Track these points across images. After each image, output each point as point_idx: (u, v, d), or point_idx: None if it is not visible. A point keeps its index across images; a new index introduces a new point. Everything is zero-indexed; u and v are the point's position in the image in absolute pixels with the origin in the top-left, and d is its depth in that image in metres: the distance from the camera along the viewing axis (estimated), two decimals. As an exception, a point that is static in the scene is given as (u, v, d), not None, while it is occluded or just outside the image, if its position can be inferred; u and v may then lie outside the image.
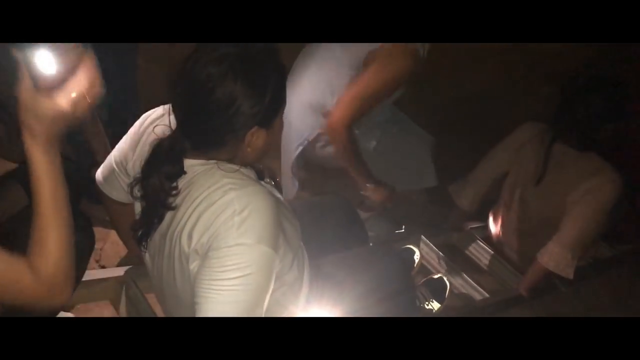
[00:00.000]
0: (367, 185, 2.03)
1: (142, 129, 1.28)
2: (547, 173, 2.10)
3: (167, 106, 1.24)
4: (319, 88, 1.99)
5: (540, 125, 2.18)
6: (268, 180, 1.34)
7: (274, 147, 1.27)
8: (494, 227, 2.43)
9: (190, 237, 1.10)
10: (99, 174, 1.39)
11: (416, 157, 2.28)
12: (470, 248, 2.55)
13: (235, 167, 1.16)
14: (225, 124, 1.10)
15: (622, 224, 2.66)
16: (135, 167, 1.25)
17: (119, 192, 1.36)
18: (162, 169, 1.14)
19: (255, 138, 1.13)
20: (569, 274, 2.03)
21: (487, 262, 2.47)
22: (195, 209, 1.10)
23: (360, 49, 1.84)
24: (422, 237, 2.43)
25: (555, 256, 2.02)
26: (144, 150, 1.23)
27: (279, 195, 1.29)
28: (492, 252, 2.44)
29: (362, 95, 1.83)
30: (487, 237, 2.51)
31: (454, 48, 3.12)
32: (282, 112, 1.20)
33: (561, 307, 2.31)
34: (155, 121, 1.27)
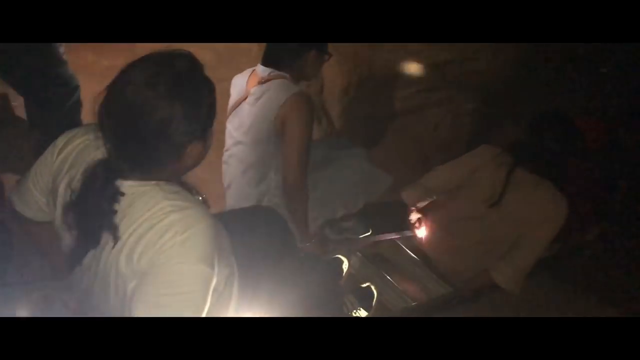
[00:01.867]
0: (307, 240, 2.14)
1: (64, 150, 1.26)
2: (505, 196, 2.18)
3: (90, 126, 1.23)
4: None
5: (496, 150, 2.29)
6: (197, 196, 1.35)
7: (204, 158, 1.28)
8: (426, 238, 2.51)
9: (130, 258, 1.10)
10: (15, 193, 1.36)
11: (359, 170, 2.39)
12: (397, 257, 2.62)
13: (175, 187, 1.18)
14: (165, 145, 1.11)
15: None
16: (60, 189, 1.23)
17: (32, 211, 1.34)
18: (98, 192, 1.13)
19: (194, 151, 1.16)
20: (517, 291, 2.17)
21: (413, 270, 2.55)
22: (135, 230, 1.10)
23: (270, 110, 1.98)
24: (352, 248, 2.49)
25: (508, 277, 2.14)
26: (71, 172, 1.21)
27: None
28: (419, 260, 2.53)
29: (300, 148, 1.98)
30: (414, 247, 2.60)
31: (385, 65, 3.28)
32: (214, 121, 1.22)
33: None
34: (78, 141, 1.25)
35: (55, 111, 2.22)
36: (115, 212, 1.13)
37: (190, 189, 1.28)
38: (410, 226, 2.57)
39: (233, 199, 2.20)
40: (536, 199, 2.15)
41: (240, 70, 2.19)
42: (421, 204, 2.53)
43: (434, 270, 2.47)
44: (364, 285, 2.16)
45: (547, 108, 2.35)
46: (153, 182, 1.15)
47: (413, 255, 2.55)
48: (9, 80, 2.23)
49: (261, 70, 2.05)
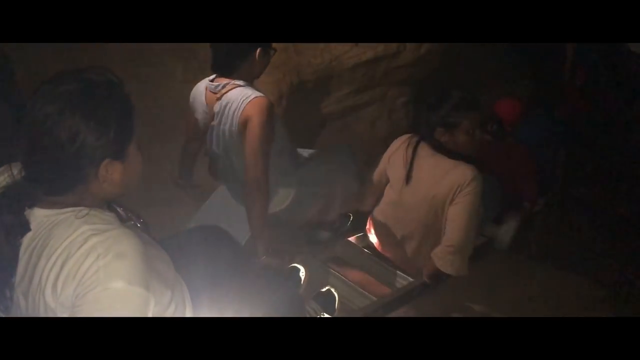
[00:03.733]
0: (264, 254, 2.09)
1: None
2: (413, 172, 2.27)
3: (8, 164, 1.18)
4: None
5: (408, 135, 2.39)
6: (133, 222, 1.30)
7: (134, 180, 1.22)
8: (374, 233, 2.53)
9: (55, 290, 1.03)
10: None
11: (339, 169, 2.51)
12: (354, 257, 2.62)
13: (94, 212, 1.11)
14: (73, 160, 1.06)
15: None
16: None
17: None
18: (4, 219, 1.07)
19: (111, 172, 1.11)
20: (465, 271, 2.20)
21: (370, 267, 2.55)
22: (56, 260, 1.04)
23: (234, 119, 2.02)
24: (309, 254, 2.46)
25: (449, 262, 2.18)
26: None
27: (145, 235, 1.25)
28: (374, 256, 2.53)
29: (257, 145, 1.99)
30: (368, 245, 2.62)
31: (313, 71, 3.29)
32: (134, 142, 1.17)
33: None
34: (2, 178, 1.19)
35: None
36: (20, 244, 1.08)
37: (122, 214, 1.23)
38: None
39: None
40: (439, 170, 2.21)
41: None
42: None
43: (391, 264, 2.48)
44: (324, 289, 2.13)
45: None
46: (70, 209, 1.09)
47: (368, 252, 2.56)
48: None
49: (213, 87, 2.07)
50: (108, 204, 1.21)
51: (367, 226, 2.57)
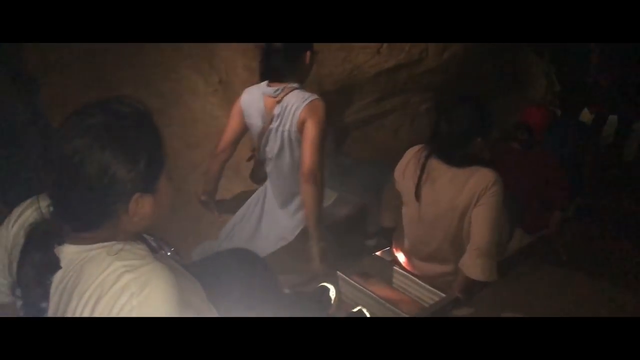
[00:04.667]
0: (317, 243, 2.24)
1: (17, 221, 1.16)
2: (423, 188, 2.21)
3: (35, 197, 1.15)
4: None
5: (420, 146, 2.31)
6: (164, 251, 1.27)
7: (164, 212, 1.19)
8: (400, 251, 2.48)
9: None
10: None
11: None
12: (383, 273, 2.56)
13: (128, 246, 1.08)
14: (103, 196, 1.02)
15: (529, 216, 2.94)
16: (12, 265, 1.12)
17: None
18: (34, 257, 1.05)
19: (141, 206, 1.07)
20: (494, 276, 2.13)
21: (400, 283, 2.50)
22: (88, 299, 1.01)
23: (293, 120, 2.20)
24: (337, 272, 2.41)
25: (478, 267, 2.10)
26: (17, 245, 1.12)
27: (178, 266, 1.22)
28: (403, 272, 2.48)
29: (314, 142, 2.18)
30: (395, 259, 2.57)
31: (334, 81, 3.26)
32: (165, 174, 1.13)
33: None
34: (27, 212, 1.16)
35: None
36: (50, 283, 1.05)
37: (152, 244, 1.20)
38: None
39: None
40: (450, 181, 2.15)
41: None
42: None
43: (421, 279, 2.43)
44: (355, 309, 2.09)
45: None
46: (101, 245, 1.06)
47: (397, 268, 2.50)
48: None
49: (272, 91, 2.22)
50: (138, 235, 1.17)
51: (393, 245, 2.53)
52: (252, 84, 2.36)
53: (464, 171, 2.14)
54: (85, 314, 1.00)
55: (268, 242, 2.40)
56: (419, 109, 3.62)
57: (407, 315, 2.19)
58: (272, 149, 2.31)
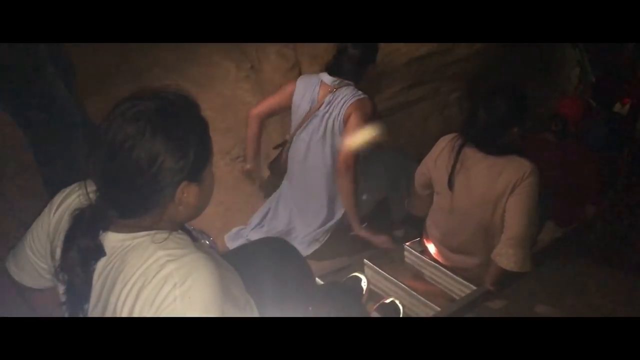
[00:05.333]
0: (360, 228, 2.47)
1: (59, 207, 1.17)
2: (457, 177, 2.17)
3: (82, 182, 1.14)
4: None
5: (453, 134, 2.27)
6: (203, 240, 1.26)
7: (208, 201, 1.19)
8: (431, 242, 2.46)
9: None
10: (10, 260, 1.25)
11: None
12: (412, 263, 2.55)
13: (170, 235, 1.08)
14: (151, 183, 1.02)
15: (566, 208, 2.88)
16: (56, 250, 1.13)
17: (32, 279, 1.23)
18: (80, 242, 1.05)
19: (187, 195, 1.06)
20: (528, 267, 2.10)
21: (430, 274, 2.48)
22: (132, 287, 1.01)
23: (340, 112, 2.38)
24: (365, 260, 2.40)
25: (512, 257, 2.07)
26: (62, 229, 1.12)
27: (218, 256, 1.21)
28: (434, 263, 2.46)
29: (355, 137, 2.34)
30: (425, 250, 2.55)
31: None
32: (211, 164, 1.13)
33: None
34: (74, 196, 1.16)
35: (60, 148, 2.05)
36: (94, 269, 1.06)
37: (193, 234, 1.19)
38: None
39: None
40: (493, 170, 2.11)
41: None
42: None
43: (451, 271, 2.40)
44: (388, 300, 2.07)
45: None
46: (145, 233, 1.06)
47: (427, 259, 2.48)
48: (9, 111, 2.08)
49: (330, 80, 2.40)
50: (180, 224, 1.17)
51: (423, 235, 2.50)
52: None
53: (500, 160, 2.11)
54: (129, 302, 1.00)
55: (302, 246, 2.44)
56: (449, 98, 3.57)
57: (438, 308, 2.17)
58: (309, 135, 2.44)
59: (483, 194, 2.13)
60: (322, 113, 2.40)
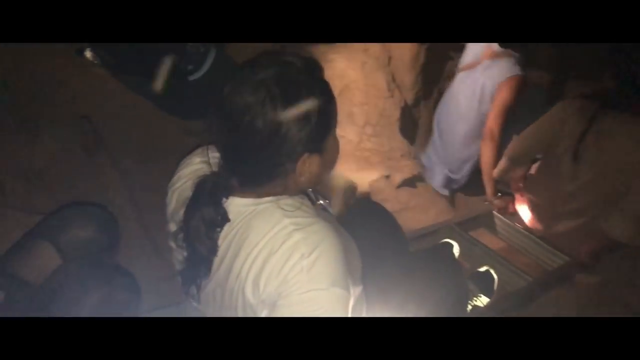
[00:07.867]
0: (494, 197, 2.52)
1: (179, 174, 1.17)
2: (590, 146, 2.00)
3: (205, 147, 1.15)
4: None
5: (580, 101, 2.08)
6: (321, 203, 1.25)
7: (331, 169, 1.16)
8: (526, 207, 2.37)
9: (256, 286, 1.00)
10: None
11: None
12: (501, 230, 2.48)
13: (295, 202, 1.06)
14: (274, 154, 0.99)
15: None
16: (175, 215, 1.14)
17: None
18: (203, 211, 1.03)
19: (309, 165, 1.03)
20: (638, 241, 1.96)
21: (519, 241, 2.41)
22: (257, 255, 1.00)
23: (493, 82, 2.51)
24: (454, 226, 2.34)
25: (628, 230, 1.94)
26: (185, 195, 1.11)
27: (338, 225, 1.19)
28: (524, 230, 2.39)
29: (502, 109, 2.48)
30: (511, 216, 2.47)
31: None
32: (334, 133, 1.09)
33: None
34: (194, 163, 1.16)
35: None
36: (218, 236, 1.05)
37: (312, 197, 1.19)
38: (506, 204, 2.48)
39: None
40: (634, 137, 1.92)
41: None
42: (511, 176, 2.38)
43: (544, 241, 2.32)
44: (483, 269, 2.02)
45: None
46: (270, 198, 1.04)
47: (520, 228, 2.40)
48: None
49: (496, 46, 2.49)
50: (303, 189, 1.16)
51: (516, 199, 2.41)
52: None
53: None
54: (254, 269, 1.00)
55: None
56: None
57: (530, 278, 2.10)
58: (459, 90, 2.65)
59: (619, 161, 1.95)
60: (480, 72, 2.53)
